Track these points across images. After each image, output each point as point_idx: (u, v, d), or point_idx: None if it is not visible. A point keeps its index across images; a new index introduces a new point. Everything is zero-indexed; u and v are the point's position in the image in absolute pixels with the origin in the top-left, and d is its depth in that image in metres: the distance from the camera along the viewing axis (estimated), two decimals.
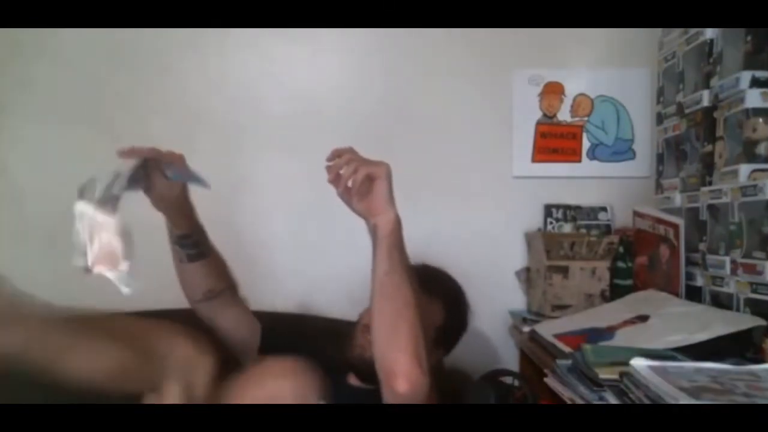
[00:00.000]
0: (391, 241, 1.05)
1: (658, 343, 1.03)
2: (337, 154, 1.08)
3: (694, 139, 1.33)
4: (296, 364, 1.03)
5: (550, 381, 1.05)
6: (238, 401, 0.94)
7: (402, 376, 0.96)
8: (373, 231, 1.07)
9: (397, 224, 1.06)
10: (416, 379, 0.97)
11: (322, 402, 1.00)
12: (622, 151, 1.80)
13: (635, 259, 1.51)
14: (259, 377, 1.02)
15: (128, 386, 0.94)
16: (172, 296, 1.24)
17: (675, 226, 1.31)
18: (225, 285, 1.24)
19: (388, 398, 1.00)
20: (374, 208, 1.07)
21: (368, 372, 1.11)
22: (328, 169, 1.08)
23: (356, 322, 1.27)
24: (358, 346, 1.22)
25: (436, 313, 1.27)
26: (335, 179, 1.07)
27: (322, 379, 1.00)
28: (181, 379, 0.95)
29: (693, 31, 1.35)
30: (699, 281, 1.28)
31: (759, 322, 1.05)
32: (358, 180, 1.05)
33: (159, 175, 1.09)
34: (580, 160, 1.79)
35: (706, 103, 1.29)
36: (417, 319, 1.02)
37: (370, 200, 1.07)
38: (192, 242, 1.17)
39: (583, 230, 1.72)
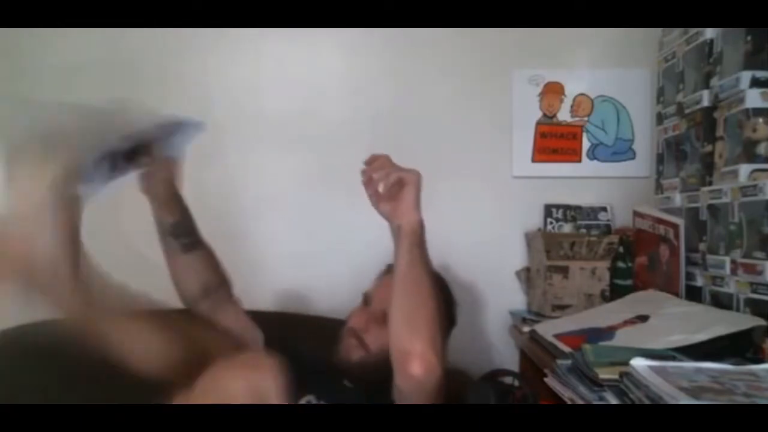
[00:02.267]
0: (412, 240, 1.08)
1: (658, 343, 1.03)
2: (373, 159, 1.13)
3: (694, 139, 1.33)
4: (259, 358, 1.04)
5: (550, 381, 1.05)
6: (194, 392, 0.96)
7: (417, 358, 0.98)
8: (397, 232, 1.10)
9: (421, 227, 1.10)
10: (431, 362, 0.98)
11: (305, 401, 1.00)
12: (622, 151, 1.80)
13: (635, 259, 1.51)
14: (217, 370, 1.01)
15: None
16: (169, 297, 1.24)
17: (675, 226, 1.31)
18: (220, 280, 1.23)
19: (400, 383, 1.01)
20: (400, 211, 1.10)
21: (357, 375, 1.11)
22: (363, 172, 1.13)
23: (343, 324, 1.27)
24: (343, 350, 1.22)
25: None
26: (368, 182, 1.13)
27: (291, 377, 0.99)
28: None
29: (693, 31, 1.35)
30: (699, 281, 1.28)
31: (759, 322, 1.05)
32: (389, 183, 1.10)
33: (154, 158, 1.08)
34: (580, 160, 1.80)
35: (706, 103, 1.29)
36: (436, 312, 1.04)
37: (397, 204, 1.11)
38: (185, 230, 1.16)
39: (583, 230, 1.72)
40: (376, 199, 1.13)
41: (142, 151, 1.03)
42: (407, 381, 1.00)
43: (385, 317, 1.09)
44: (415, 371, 0.98)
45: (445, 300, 1.37)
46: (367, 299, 1.37)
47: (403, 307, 1.05)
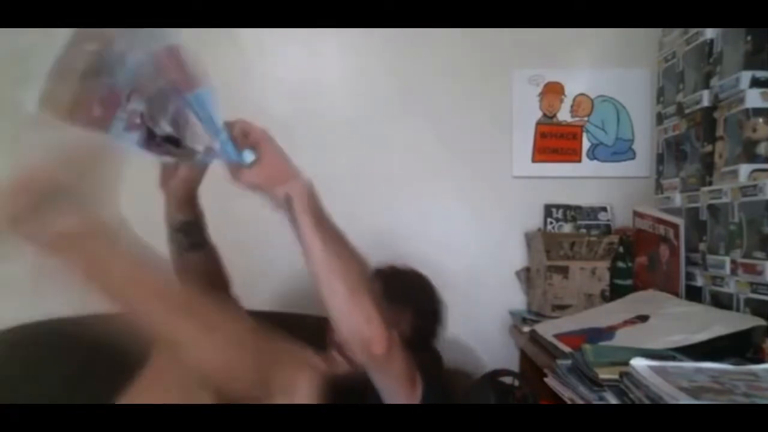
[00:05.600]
0: (314, 213, 0.95)
1: (658, 343, 1.03)
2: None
3: (694, 139, 1.33)
4: None
5: (550, 381, 1.05)
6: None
7: (375, 341, 0.97)
8: (287, 203, 0.94)
9: (313, 189, 0.96)
10: (387, 338, 0.97)
11: None
12: (622, 151, 1.80)
13: (635, 259, 1.51)
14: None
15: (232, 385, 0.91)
16: None
17: (675, 226, 1.31)
18: (219, 281, 1.23)
19: (367, 362, 1.01)
20: (277, 175, 0.95)
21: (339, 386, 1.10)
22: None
23: (329, 336, 1.25)
24: (328, 361, 1.20)
25: (403, 323, 1.25)
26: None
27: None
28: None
29: (693, 31, 1.35)
30: (699, 281, 1.28)
31: (759, 322, 1.05)
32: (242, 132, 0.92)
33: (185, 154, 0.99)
34: (580, 160, 1.80)
35: (706, 103, 1.29)
36: (366, 280, 0.99)
37: (265, 166, 0.94)
38: (194, 230, 1.16)
39: (583, 230, 1.72)
40: (232, 169, 0.94)
41: (178, 142, 0.94)
42: (373, 361, 1.00)
43: None
44: (378, 351, 0.97)
45: (427, 311, 1.35)
46: None
47: (341, 299, 0.97)
